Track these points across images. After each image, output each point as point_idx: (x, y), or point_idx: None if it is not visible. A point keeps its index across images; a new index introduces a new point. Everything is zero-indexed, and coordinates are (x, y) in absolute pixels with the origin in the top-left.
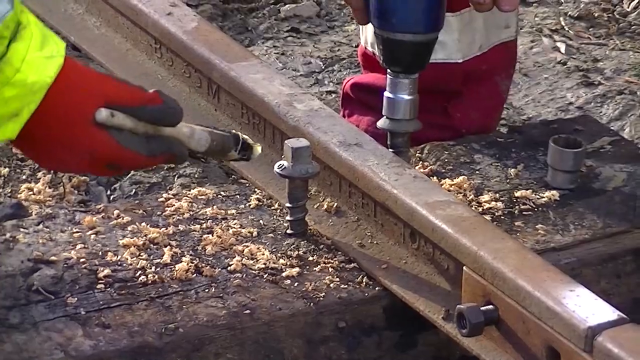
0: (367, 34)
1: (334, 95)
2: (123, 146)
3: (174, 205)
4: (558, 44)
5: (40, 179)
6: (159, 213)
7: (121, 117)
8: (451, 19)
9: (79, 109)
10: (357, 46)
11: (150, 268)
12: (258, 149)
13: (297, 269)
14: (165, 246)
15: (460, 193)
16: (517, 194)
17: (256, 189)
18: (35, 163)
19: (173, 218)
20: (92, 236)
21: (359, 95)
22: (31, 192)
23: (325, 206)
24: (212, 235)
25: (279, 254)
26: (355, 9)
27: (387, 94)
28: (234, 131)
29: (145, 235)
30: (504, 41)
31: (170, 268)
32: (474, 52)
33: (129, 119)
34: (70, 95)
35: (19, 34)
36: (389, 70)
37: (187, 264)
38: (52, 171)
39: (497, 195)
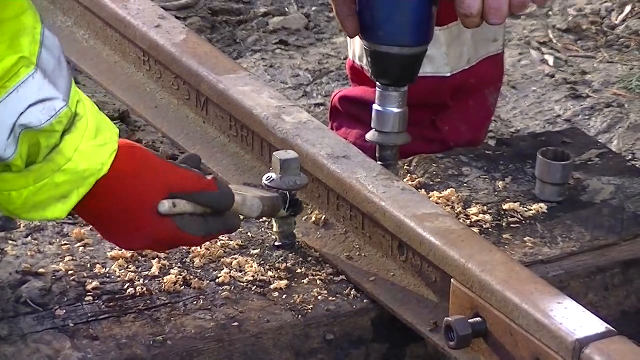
0: (355, 47)
1: (322, 108)
2: (183, 231)
3: None
4: (546, 57)
5: None
6: None
7: (182, 203)
8: (439, 33)
9: (143, 199)
10: (345, 59)
11: (139, 280)
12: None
13: (285, 282)
14: (154, 259)
15: (449, 206)
16: (505, 206)
17: None
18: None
19: None
20: (81, 248)
21: (348, 108)
22: None
23: (314, 218)
24: (201, 248)
25: (267, 267)
26: (344, 21)
27: (376, 106)
28: (281, 191)
29: None
30: (492, 54)
31: (159, 280)
32: (462, 66)
33: (189, 204)
34: (134, 184)
35: (74, 126)
36: (378, 83)
37: (176, 277)
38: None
39: (485, 207)
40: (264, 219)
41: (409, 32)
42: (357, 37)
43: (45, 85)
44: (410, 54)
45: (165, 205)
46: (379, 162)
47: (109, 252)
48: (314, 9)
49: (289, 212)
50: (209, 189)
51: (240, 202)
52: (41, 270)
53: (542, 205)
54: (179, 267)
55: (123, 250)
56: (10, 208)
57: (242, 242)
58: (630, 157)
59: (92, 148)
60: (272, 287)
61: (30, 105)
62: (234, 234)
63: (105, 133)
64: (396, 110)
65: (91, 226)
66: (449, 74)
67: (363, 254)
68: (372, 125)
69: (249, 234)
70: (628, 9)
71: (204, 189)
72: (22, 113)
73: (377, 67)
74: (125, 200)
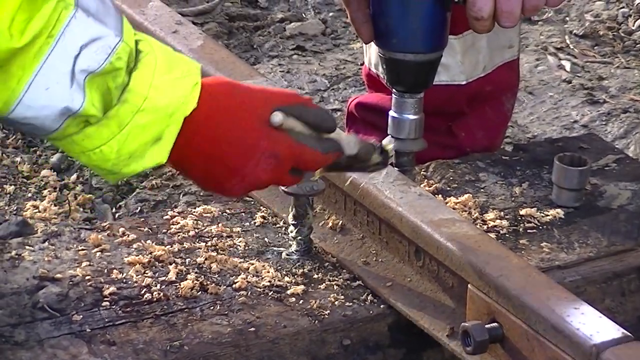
0: (371, 54)
1: (339, 114)
2: (302, 143)
3: (179, 222)
4: (563, 62)
5: (45, 196)
6: (164, 231)
7: (291, 120)
8: (454, 42)
9: (254, 113)
10: (362, 64)
11: (156, 285)
12: (390, 147)
13: (302, 287)
14: (171, 264)
15: (465, 211)
16: (522, 212)
17: (261, 207)
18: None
19: (178, 236)
20: (98, 254)
21: (364, 115)
22: (37, 210)
23: (330, 224)
24: (217, 253)
25: (284, 272)
26: (359, 28)
27: (392, 113)
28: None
29: (151, 253)
30: (508, 61)
31: (176, 286)
32: (477, 73)
33: (297, 122)
34: (241, 102)
35: (139, 62)
36: (394, 90)
37: (192, 282)
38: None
39: (502, 213)
40: (281, 223)
41: (422, 39)
42: (373, 45)
43: (91, 23)
44: (425, 60)
45: (279, 116)
46: (396, 168)
47: (125, 257)
48: (330, 14)
49: (381, 159)
50: (309, 105)
51: (338, 134)
52: (58, 275)
53: (558, 210)
54: (196, 272)
55: (140, 256)
56: (107, 166)
57: (259, 247)
58: None
59: (168, 82)
60: (288, 292)
61: (82, 47)
62: (250, 238)
63: (180, 67)
64: (412, 116)
65: (107, 233)
66: (464, 82)
67: (380, 260)
68: (389, 132)
69: (266, 239)
70: None
71: (305, 104)
72: (77, 57)
73: (392, 74)
74: (231, 120)
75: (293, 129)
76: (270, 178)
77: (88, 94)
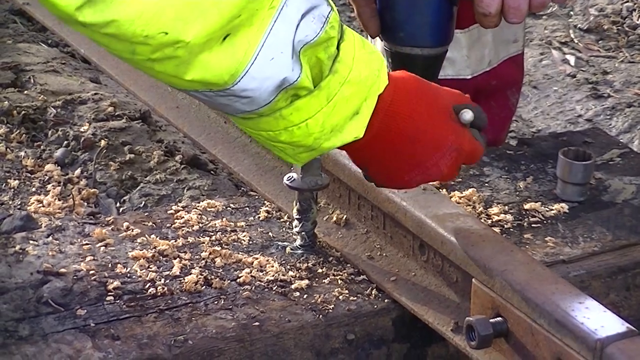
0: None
1: None
2: (476, 140)
3: (183, 217)
4: (567, 57)
5: (49, 191)
6: (168, 225)
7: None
8: (460, 36)
9: (443, 107)
10: None
11: (160, 280)
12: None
13: (306, 281)
14: (175, 258)
15: (470, 205)
16: (527, 206)
17: (265, 201)
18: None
19: (182, 230)
20: (102, 248)
21: None
22: (41, 205)
23: (335, 218)
24: (222, 248)
25: (288, 266)
26: (367, 22)
27: None
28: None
29: (155, 247)
30: (513, 55)
31: (180, 280)
32: (483, 67)
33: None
34: (430, 94)
35: (344, 34)
36: None
37: (197, 276)
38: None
39: (507, 207)
40: (285, 218)
41: (429, 33)
42: (378, 41)
43: None
44: (431, 54)
45: (470, 113)
46: None
47: (130, 251)
48: None
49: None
50: (471, 104)
51: None
52: (62, 270)
53: (563, 205)
54: (200, 267)
55: (144, 250)
56: (309, 142)
57: (263, 242)
58: None
59: (365, 55)
60: (293, 286)
61: (303, 16)
62: (254, 233)
63: (367, 43)
64: None
65: (111, 227)
66: (469, 76)
67: (384, 254)
68: None
69: (270, 233)
70: None
71: (469, 104)
72: (298, 26)
73: (397, 68)
74: (422, 107)
75: (471, 119)
76: (449, 172)
77: (303, 65)
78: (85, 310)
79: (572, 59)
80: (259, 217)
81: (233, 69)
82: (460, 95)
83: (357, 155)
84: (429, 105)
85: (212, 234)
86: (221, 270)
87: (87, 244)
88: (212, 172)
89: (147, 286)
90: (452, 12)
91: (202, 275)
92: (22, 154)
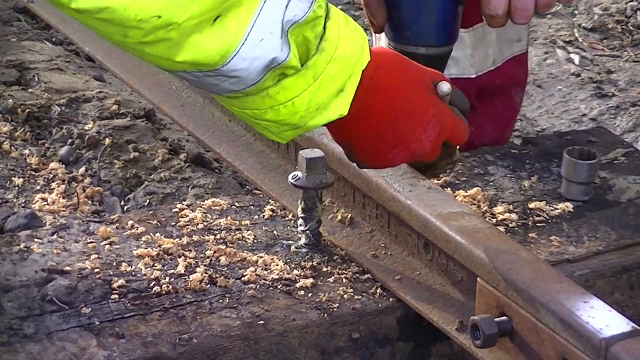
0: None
1: None
2: (457, 116)
3: (188, 215)
4: (572, 56)
5: (54, 189)
6: (173, 223)
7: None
8: (464, 35)
9: (423, 81)
10: None
11: (165, 278)
12: None
13: (311, 280)
14: (180, 256)
15: (474, 204)
16: (531, 205)
17: (270, 200)
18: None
19: (187, 229)
20: (106, 246)
21: None
22: (45, 203)
23: (339, 217)
24: (226, 246)
25: (293, 265)
26: (375, 12)
27: None
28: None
29: (160, 246)
30: (517, 54)
31: (184, 278)
32: (487, 67)
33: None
34: (411, 69)
35: (329, 12)
36: None
37: (201, 275)
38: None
39: (511, 206)
40: (290, 216)
41: (435, 33)
42: (383, 39)
43: None
44: (437, 53)
45: (447, 85)
46: None
47: (134, 250)
48: (339, 7)
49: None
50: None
51: None
52: (67, 268)
53: (567, 204)
54: (205, 265)
55: (149, 248)
56: (294, 120)
57: (267, 240)
58: None
59: (350, 32)
60: (297, 285)
61: None
62: (259, 231)
63: (350, 19)
64: None
65: (115, 225)
66: (473, 75)
67: (389, 253)
68: None
69: (275, 232)
70: None
71: (448, 82)
72: (287, 6)
73: None
74: (400, 80)
75: (449, 90)
76: (432, 148)
77: (291, 44)
78: (90, 309)
79: (576, 58)
80: (264, 216)
81: (223, 50)
82: (440, 74)
83: (339, 133)
84: (409, 79)
85: (217, 232)
86: (226, 268)
87: (91, 242)
88: (216, 170)
89: (151, 284)
90: (457, 12)
91: (206, 273)
92: (27, 152)
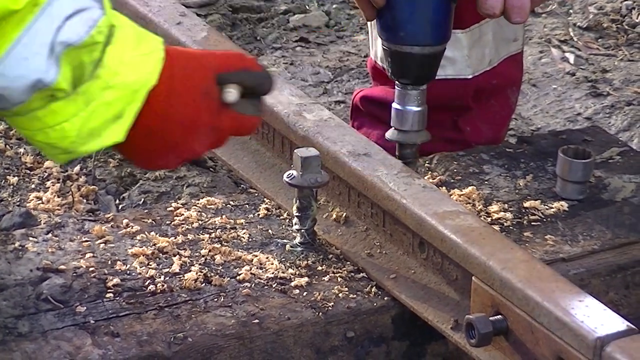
0: (377, 47)
1: (342, 105)
2: (243, 114)
3: (183, 214)
4: (567, 55)
5: (49, 188)
6: (168, 222)
7: (236, 88)
8: (460, 36)
9: (197, 85)
10: (366, 56)
11: (159, 277)
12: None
13: (305, 279)
14: (175, 255)
15: (469, 203)
16: (526, 204)
17: (265, 199)
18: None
19: (182, 227)
20: (101, 245)
21: (369, 108)
22: (40, 201)
23: (334, 216)
24: (221, 245)
25: (288, 264)
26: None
27: (395, 105)
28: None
29: (155, 245)
30: (513, 54)
31: (179, 277)
32: (484, 67)
33: (238, 87)
34: (186, 75)
35: (113, 37)
36: (397, 82)
37: (196, 273)
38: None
39: (506, 205)
40: (285, 215)
41: (430, 32)
42: (379, 42)
43: None
44: (432, 52)
45: (233, 94)
46: (400, 160)
47: (129, 248)
48: (334, 6)
49: None
50: (252, 68)
51: None
52: (62, 266)
53: (563, 203)
54: (200, 264)
55: (144, 247)
56: (65, 144)
57: (262, 239)
58: None
59: (137, 58)
60: (292, 284)
61: (67, 18)
62: (254, 230)
63: (148, 42)
64: (415, 108)
65: (110, 224)
66: (470, 76)
67: (384, 252)
68: (392, 124)
69: (270, 231)
70: None
71: (247, 67)
72: (60, 28)
73: (397, 67)
74: (177, 96)
75: (235, 99)
76: (207, 150)
77: (62, 67)
78: (85, 307)
79: (571, 57)
80: (259, 215)
81: None
82: (228, 59)
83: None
84: (185, 82)
85: (212, 231)
86: (221, 267)
87: (86, 241)
88: (211, 169)
89: (146, 283)
90: (451, 9)
91: (201, 272)
92: (22, 150)
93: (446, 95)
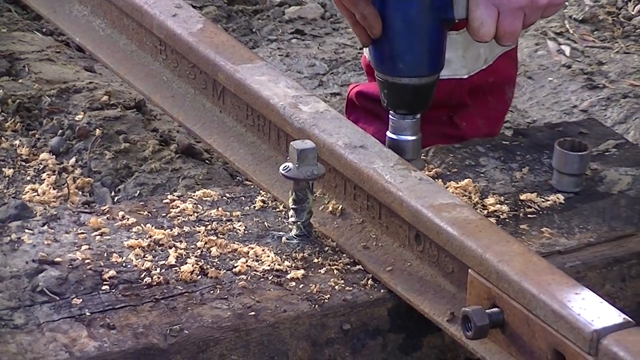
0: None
1: (338, 97)
2: None
3: (179, 206)
4: (563, 47)
5: (44, 180)
6: (164, 214)
7: None
8: (455, 37)
9: None
10: (361, 49)
11: (155, 269)
12: None
13: (302, 271)
14: (170, 247)
15: (466, 196)
16: (522, 197)
17: (261, 191)
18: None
19: (178, 219)
20: (97, 237)
21: (365, 103)
22: (35, 193)
23: (330, 208)
24: (217, 237)
25: (284, 256)
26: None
27: (390, 134)
28: None
29: (150, 237)
30: (507, 50)
31: (175, 269)
32: (479, 66)
33: None
34: None
35: None
36: (391, 112)
37: (192, 266)
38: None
39: (502, 198)
40: (281, 208)
41: (427, 62)
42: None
43: None
44: (429, 82)
45: None
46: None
47: (125, 241)
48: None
49: None
50: None
51: None
52: (57, 259)
53: (559, 195)
54: (196, 257)
55: (139, 239)
56: None
57: (258, 231)
58: None
59: None
60: (288, 276)
61: None
62: (250, 222)
63: None
64: (410, 137)
65: (106, 216)
66: (466, 76)
67: (380, 244)
68: None
69: (266, 223)
70: None
71: None
72: None
73: (395, 98)
74: None
75: None
76: None
77: None
78: (81, 299)
79: (567, 50)
80: (255, 207)
81: None
82: None
83: None
84: None
85: (208, 223)
86: (217, 259)
87: (82, 233)
88: (207, 161)
89: (142, 275)
90: (446, 38)
91: (197, 264)
92: (17, 142)
93: (442, 95)
